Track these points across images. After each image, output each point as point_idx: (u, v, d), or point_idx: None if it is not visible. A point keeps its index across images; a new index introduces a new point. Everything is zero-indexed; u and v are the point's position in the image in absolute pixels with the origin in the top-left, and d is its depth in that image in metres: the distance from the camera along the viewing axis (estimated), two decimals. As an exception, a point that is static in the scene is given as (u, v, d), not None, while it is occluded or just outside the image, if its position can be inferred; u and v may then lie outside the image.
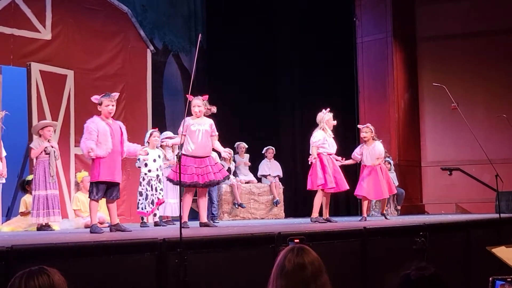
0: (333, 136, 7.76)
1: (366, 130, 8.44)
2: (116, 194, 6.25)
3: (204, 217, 6.96)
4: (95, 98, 6.32)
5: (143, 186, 7.81)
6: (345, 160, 8.06)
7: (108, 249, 4.01)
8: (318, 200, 7.57)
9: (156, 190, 7.89)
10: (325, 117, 7.67)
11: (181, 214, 6.49)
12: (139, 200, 7.81)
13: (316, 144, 7.54)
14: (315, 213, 7.52)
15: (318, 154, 7.54)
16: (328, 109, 7.79)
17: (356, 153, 8.45)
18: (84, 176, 8.30)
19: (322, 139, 7.55)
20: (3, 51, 8.68)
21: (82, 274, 3.76)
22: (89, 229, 6.39)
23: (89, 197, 6.23)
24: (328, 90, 12.29)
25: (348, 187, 7.76)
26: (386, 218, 8.60)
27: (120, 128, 6.35)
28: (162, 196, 7.99)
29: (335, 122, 7.75)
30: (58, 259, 3.69)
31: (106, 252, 3.96)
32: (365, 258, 5.51)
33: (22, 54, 8.92)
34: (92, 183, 6.16)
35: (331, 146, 7.63)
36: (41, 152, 7.36)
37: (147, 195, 7.80)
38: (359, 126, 8.69)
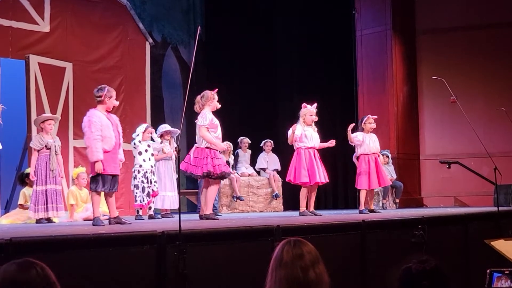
0: (316, 129, 7.77)
1: (373, 121, 8.49)
2: (115, 186, 6.26)
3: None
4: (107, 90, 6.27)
5: (139, 179, 7.82)
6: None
7: (107, 241, 4.02)
8: (302, 195, 7.63)
9: (151, 183, 7.91)
10: (304, 110, 7.68)
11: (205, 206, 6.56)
12: (136, 193, 7.81)
13: (294, 137, 7.60)
14: (301, 208, 7.59)
15: (297, 148, 7.61)
16: (315, 104, 7.77)
17: (357, 138, 8.38)
18: (80, 172, 8.31)
19: (300, 133, 7.56)
20: (1, 43, 8.67)
21: (81, 267, 3.77)
22: (87, 221, 6.39)
23: (93, 190, 6.15)
24: (327, 83, 12.29)
25: (324, 181, 7.68)
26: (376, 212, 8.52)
27: (116, 120, 6.36)
28: (157, 188, 8.01)
29: (315, 118, 7.70)
30: (57, 252, 3.70)
31: (105, 244, 3.97)
32: (364, 251, 5.52)
33: (21, 46, 8.91)
34: (97, 176, 6.08)
35: (310, 139, 7.62)
36: (43, 147, 7.37)
37: (143, 187, 7.81)
38: (370, 116, 8.62)
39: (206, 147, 6.74)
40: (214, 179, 6.77)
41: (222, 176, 6.83)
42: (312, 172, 7.53)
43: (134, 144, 7.95)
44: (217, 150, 6.85)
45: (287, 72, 12.84)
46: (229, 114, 10.93)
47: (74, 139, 9.25)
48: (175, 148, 7.90)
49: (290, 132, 7.60)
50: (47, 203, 7.31)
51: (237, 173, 10.45)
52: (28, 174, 7.80)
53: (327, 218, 6.87)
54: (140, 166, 7.87)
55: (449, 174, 11.22)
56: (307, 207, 7.67)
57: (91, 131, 6.05)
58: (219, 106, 6.92)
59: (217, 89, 6.96)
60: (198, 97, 6.92)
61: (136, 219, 7.63)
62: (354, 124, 8.45)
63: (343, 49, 12.17)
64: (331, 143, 7.83)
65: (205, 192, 6.87)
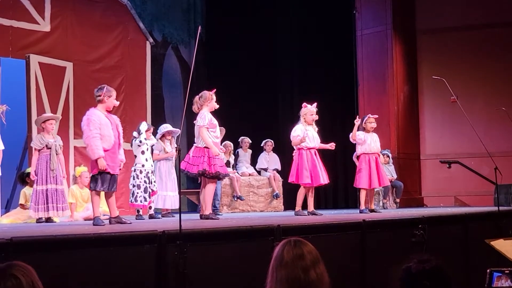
0: (317, 129, 7.78)
1: (374, 120, 8.51)
2: (114, 186, 6.24)
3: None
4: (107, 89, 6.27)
5: (141, 179, 7.81)
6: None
7: (107, 241, 4.02)
8: (300, 194, 7.67)
9: (151, 183, 7.91)
10: (304, 110, 7.70)
11: (205, 206, 6.65)
12: (137, 193, 7.80)
13: (294, 138, 7.61)
14: (297, 207, 7.63)
15: (298, 149, 7.61)
16: (315, 103, 7.78)
17: (359, 137, 8.38)
18: (83, 171, 8.30)
19: (301, 133, 7.57)
20: (2, 43, 8.67)
21: (82, 266, 3.77)
22: (87, 221, 6.39)
23: (93, 189, 6.14)
24: (328, 83, 12.28)
25: (326, 182, 7.70)
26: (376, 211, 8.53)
27: (116, 120, 6.36)
28: (156, 188, 8.02)
29: (316, 117, 7.73)
30: (57, 251, 3.70)
31: (105, 244, 3.97)
32: (364, 250, 5.52)
33: (21, 45, 8.91)
34: (96, 175, 6.08)
35: (311, 140, 7.63)
36: (43, 147, 7.38)
37: (145, 187, 7.81)
38: (370, 115, 8.63)
39: (205, 147, 6.75)
40: (209, 178, 6.76)
41: (217, 176, 6.79)
42: (316, 173, 7.56)
43: (140, 142, 7.91)
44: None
45: (287, 72, 12.83)
46: (229, 114, 10.94)
47: (74, 138, 9.26)
48: (176, 148, 7.89)
49: (295, 137, 7.60)
50: (47, 203, 7.31)
51: (237, 172, 10.45)
52: (28, 173, 7.80)
53: (327, 218, 6.87)
54: (143, 165, 7.86)
55: (449, 174, 11.22)
56: (307, 207, 7.68)
57: (90, 129, 6.05)
58: (217, 106, 6.92)
59: (215, 89, 6.97)
60: (196, 98, 6.92)
61: (136, 219, 7.62)
62: (359, 119, 8.41)
63: (344, 48, 12.16)
64: (331, 146, 7.87)
65: (203, 192, 6.89)
